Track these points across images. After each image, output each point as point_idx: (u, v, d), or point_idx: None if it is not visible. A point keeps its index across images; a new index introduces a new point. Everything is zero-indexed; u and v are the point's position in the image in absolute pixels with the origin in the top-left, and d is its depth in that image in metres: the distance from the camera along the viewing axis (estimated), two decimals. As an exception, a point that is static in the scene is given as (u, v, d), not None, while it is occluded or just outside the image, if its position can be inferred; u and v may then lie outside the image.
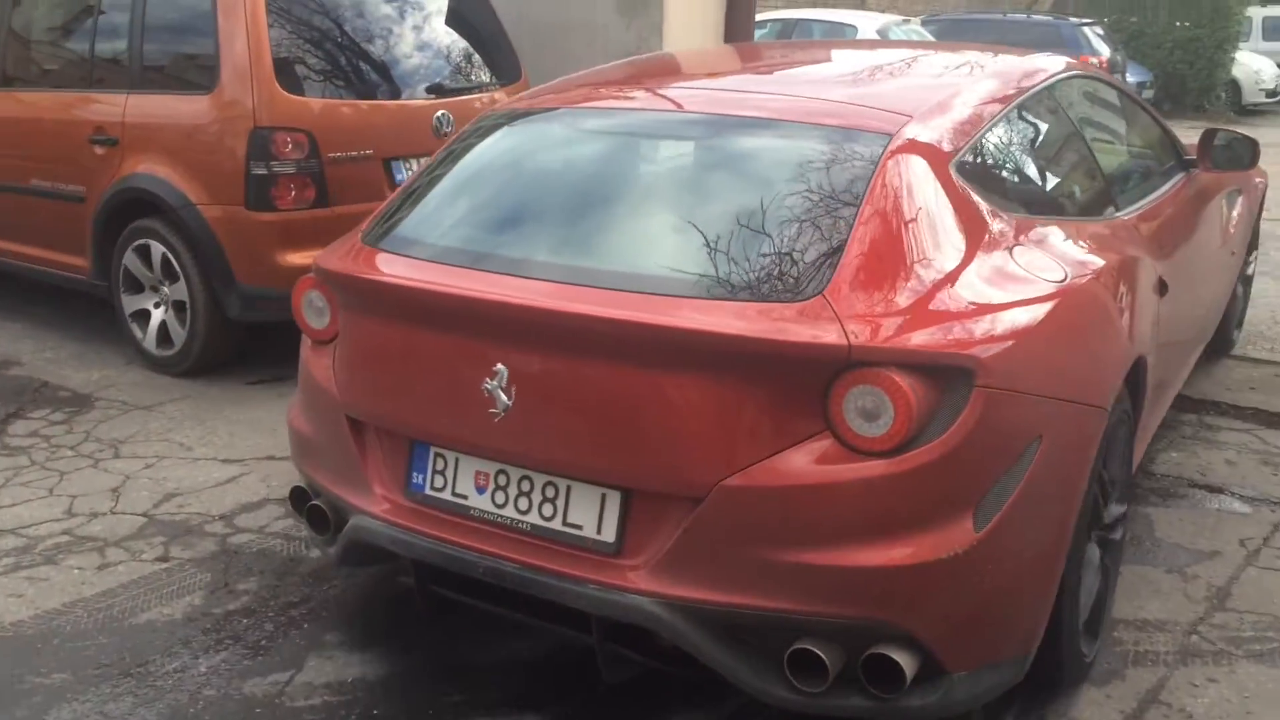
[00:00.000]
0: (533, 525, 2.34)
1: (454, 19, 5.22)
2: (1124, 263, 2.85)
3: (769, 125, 2.62)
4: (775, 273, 2.21)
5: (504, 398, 2.27)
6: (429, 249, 2.56)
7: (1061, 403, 2.31)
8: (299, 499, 2.80)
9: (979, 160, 2.66)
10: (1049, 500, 2.29)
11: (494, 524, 2.38)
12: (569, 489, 2.31)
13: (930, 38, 12.92)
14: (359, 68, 4.85)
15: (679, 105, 2.89)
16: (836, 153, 2.44)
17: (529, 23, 5.96)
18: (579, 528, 2.29)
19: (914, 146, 2.46)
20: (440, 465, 2.46)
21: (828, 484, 2.07)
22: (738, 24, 6.14)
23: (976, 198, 2.49)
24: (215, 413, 4.43)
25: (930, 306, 2.18)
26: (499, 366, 2.28)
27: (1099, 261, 2.72)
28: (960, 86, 2.92)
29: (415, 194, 2.84)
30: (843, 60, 3.41)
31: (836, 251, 2.21)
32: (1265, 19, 20.58)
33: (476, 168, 2.87)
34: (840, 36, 12.11)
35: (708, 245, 2.30)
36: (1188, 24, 18.04)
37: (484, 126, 2.98)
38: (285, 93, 4.48)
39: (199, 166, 4.56)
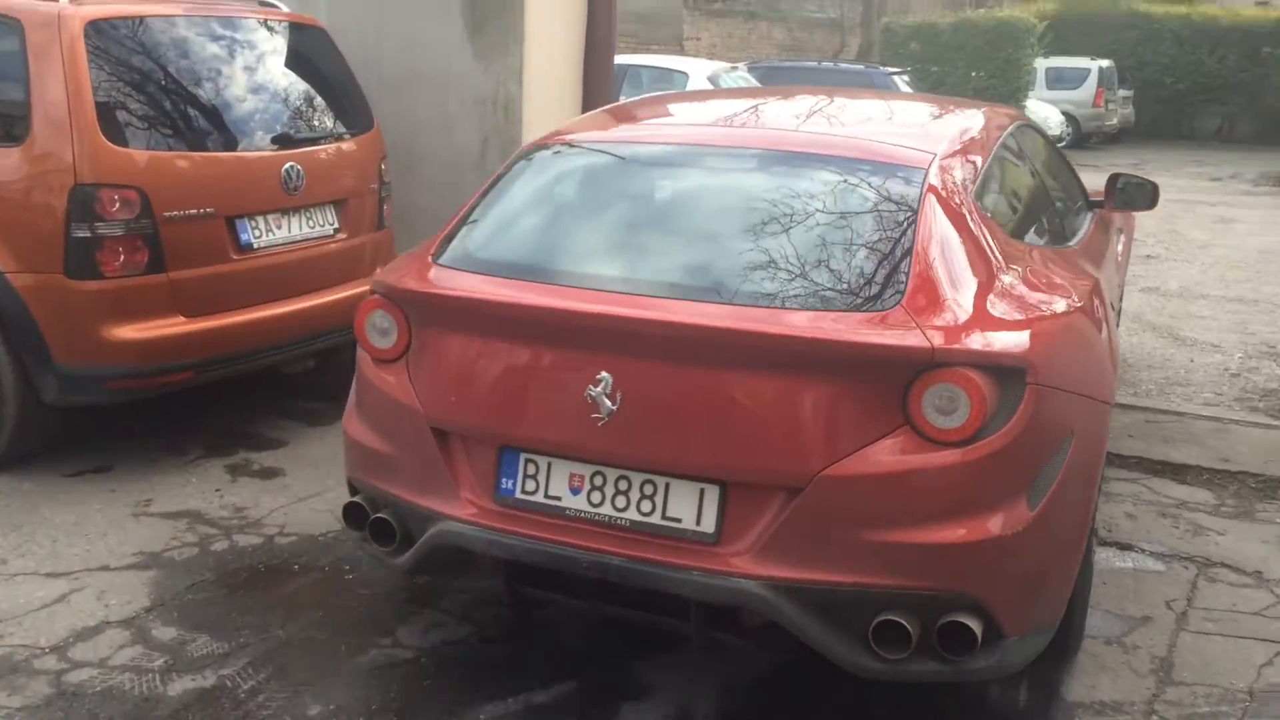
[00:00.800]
0: (631, 521, 2.51)
1: (300, 65, 4.77)
2: (1097, 285, 3.23)
3: (819, 158, 2.91)
4: (855, 286, 2.52)
5: (608, 403, 2.46)
6: (514, 267, 2.77)
7: (1086, 399, 2.67)
8: (357, 515, 2.87)
9: (986, 192, 3.02)
10: (1080, 483, 2.64)
11: (591, 522, 2.54)
12: (667, 485, 2.50)
13: (756, 83, 13.10)
14: (195, 116, 4.31)
15: (732, 139, 3.18)
16: (884, 182, 2.77)
17: (378, 69, 5.55)
18: (678, 520, 2.49)
19: (944, 177, 2.81)
20: (531, 470, 2.61)
21: (911, 471, 2.36)
22: (596, 70, 5.92)
23: (994, 222, 2.88)
24: (31, 515, 3.80)
25: (987, 315, 2.50)
26: (603, 374, 2.46)
27: (1087, 282, 3.14)
28: (959, 128, 3.30)
29: (480, 216, 3.01)
30: (840, 104, 3.63)
31: (904, 267, 2.53)
32: (1048, 69, 22.02)
33: (541, 192, 3.09)
34: (670, 83, 12.10)
35: (787, 262, 2.58)
36: (983, 74, 19.12)
37: (537, 155, 3.18)
38: (110, 144, 3.92)
39: (7, 229, 3.94)
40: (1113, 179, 4.22)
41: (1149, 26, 24.69)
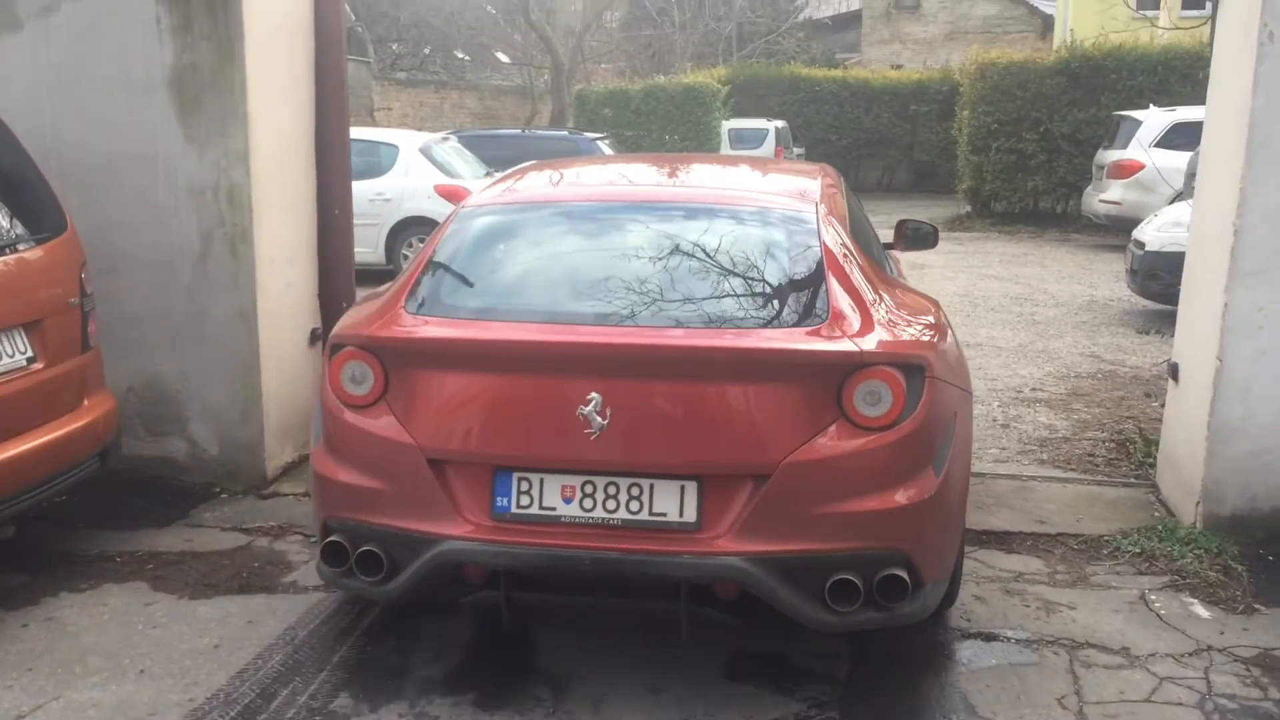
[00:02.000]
0: (623, 520, 2.92)
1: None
2: (939, 304, 3.76)
3: (729, 209, 3.54)
4: (788, 309, 3.13)
5: (599, 419, 2.86)
6: (488, 310, 3.19)
7: (960, 390, 3.31)
8: (336, 553, 3.10)
9: (851, 231, 3.59)
10: (963, 454, 3.27)
11: (585, 525, 2.93)
12: (652, 486, 2.92)
13: (469, 152, 12.67)
14: None
15: (653, 196, 3.80)
16: (787, 227, 3.41)
17: (65, 158, 4.60)
18: (664, 515, 2.92)
19: (829, 221, 3.46)
20: (525, 487, 2.97)
21: (850, 454, 2.88)
22: (331, 148, 5.23)
23: (864, 256, 3.51)
24: None
25: (888, 326, 3.11)
26: (593, 394, 2.86)
27: (934, 302, 3.72)
28: (818, 182, 3.87)
29: (435, 270, 3.34)
30: (718, 167, 4.49)
31: (821, 292, 3.13)
32: (730, 130, 23.12)
33: (487, 246, 3.48)
34: (378, 155, 11.51)
35: (730, 292, 3.15)
36: (676, 136, 19.71)
37: (471, 216, 3.60)
38: None
39: None
40: (901, 224, 4.96)
41: (811, 89, 26.62)
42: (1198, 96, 16.62)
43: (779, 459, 2.87)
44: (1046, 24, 36.57)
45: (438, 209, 11.41)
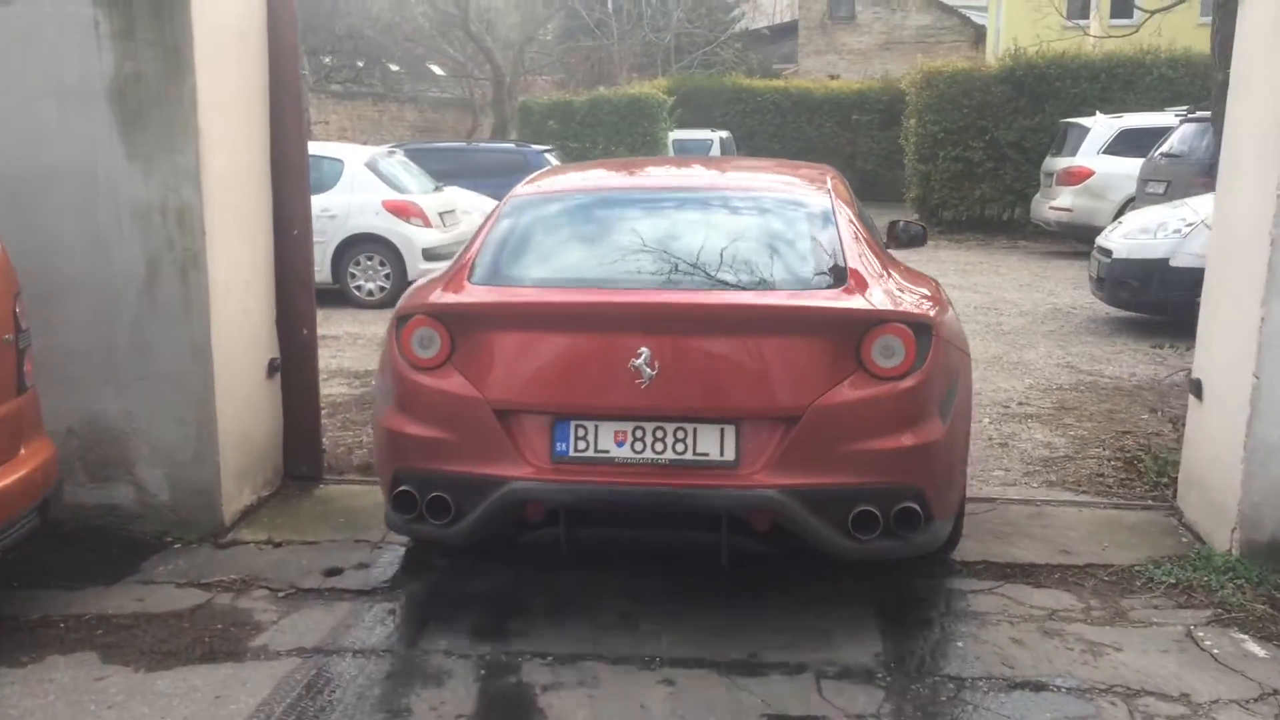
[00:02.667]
0: (670, 460, 3.36)
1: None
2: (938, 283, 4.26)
3: (757, 197, 4.05)
4: (813, 274, 3.64)
5: (649, 370, 3.29)
6: (545, 280, 3.70)
7: (962, 352, 3.79)
8: (406, 501, 3.53)
9: (860, 218, 4.12)
10: (965, 408, 3.74)
11: (637, 465, 3.36)
12: (695, 430, 3.35)
13: (415, 165, 12.24)
14: None
15: (684, 180, 4.61)
16: (807, 212, 3.89)
17: (-8, 174, 4.14)
18: (706, 454, 3.35)
19: (840, 207, 3.95)
20: (581, 433, 3.39)
21: (869, 399, 3.32)
22: (288, 164, 4.83)
23: (872, 237, 4.06)
24: None
25: (898, 292, 3.58)
26: (642, 349, 3.29)
27: (933, 280, 4.19)
28: (826, 176, 4.37)
29: (492, 248, 3.82)
30: (733, 166, 5.24)
31: (840, 263, 3.62)
32: (675, 141, 22.85)
33: (536, 227, 3.95)
34: (320, 170, 10.98)
35: (765, 262, 3.67)
36: (622, 147, 19.42)
37: (520, 202, 4.08)
38: None
39: None
40: (893, 223, 5.16)
41: (753, 99, 26.54)
42: (1139, 103, 16.84)
43: (806, 404, 3.31)
44: (979, 33, 37.05)
45: (386, 225, 10.98)
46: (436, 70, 28.23)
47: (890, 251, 4.48)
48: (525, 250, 3.85)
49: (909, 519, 3.34)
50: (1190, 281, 9.07)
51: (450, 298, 3.59)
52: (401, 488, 3.54)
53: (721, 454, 3.34)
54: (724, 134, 23.96)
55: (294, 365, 5.07)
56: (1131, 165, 14.25)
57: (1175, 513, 4.50)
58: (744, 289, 3.55)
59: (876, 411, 3.32)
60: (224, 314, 4.43)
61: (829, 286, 3.54)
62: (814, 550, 3.36)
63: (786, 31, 39.61)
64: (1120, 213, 14.47)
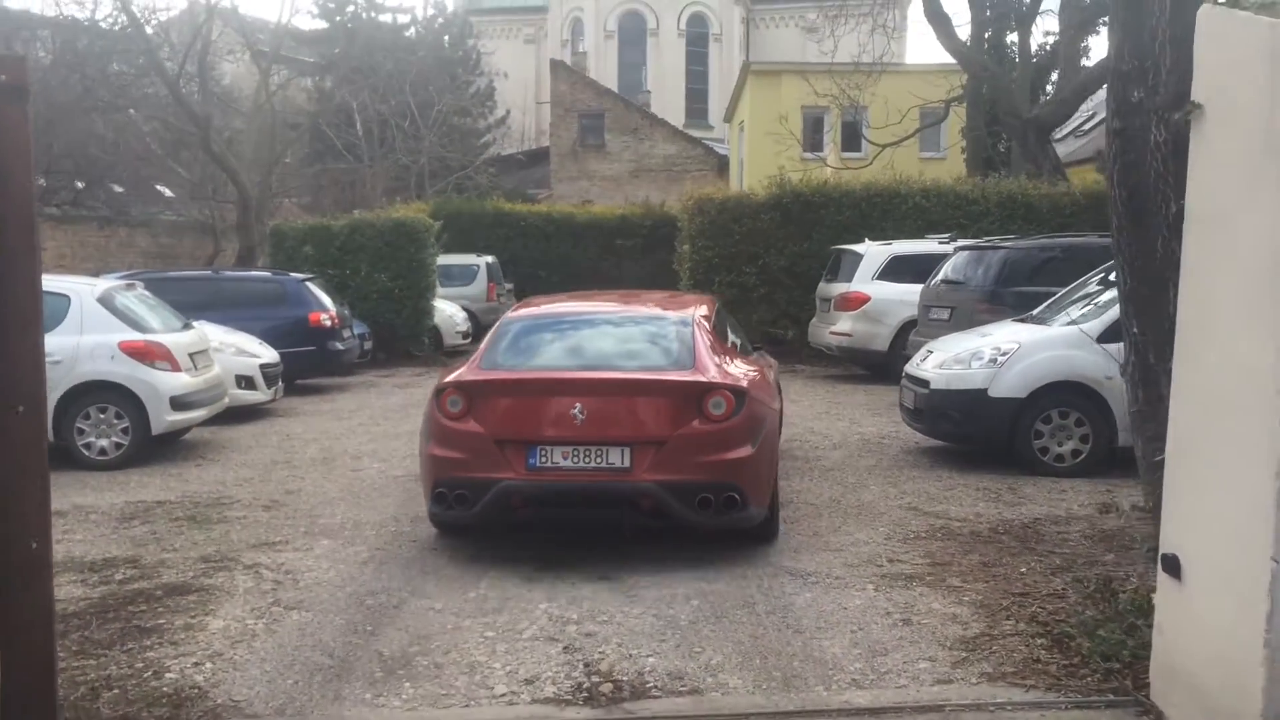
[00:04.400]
0: (594, 467, 5.88)
1: None
2: (764, 367, 7.39)
3: (650, 316, 6.91)
4: (674, 362, 6.24)
5: (580, 416, 5.85)
6: (521, 366, 6.40)
7: (769, 407, 6.60)
8: (442, 498, 6.12)
9: (715, 325, 6.94)
10: (770, 438, 6.40)
11: (575, 470, 5.89)
12: (606, 450, 5.88)
13: (156, 298, 10.62)
14: None
15: (605, 309, 7.43)
16: (677, 324, 6.59)
17: None
18: (613, 464, 5.87)
19: (699, 321, 6.68)
20: (543, 453, 5.94)
21: (707, 432, 5.87)
22: (16, 318, 3.54)
23: (718, 338, 6.81)
24: None
25: (729, 370, 6.31)
26: (577, 404, 5.87)
27: (761, 365, 7.33)
28: (700, 301, 7.46)
29: (493, 349, 6.56)
30: (630, 298, 8.05)
31: (691, 353, 6.25)
32: (437, 267, 21.83)
33: (521, 335, 6.73)
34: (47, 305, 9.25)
35: (645, 354, 6.42)
36: (386, 275, 18.20)
37: (512, 321, 6.92)
38: None
39: None
40: (765, 334, 9.66)
41: (516, 224, 26.07)
42: (896, 229, 17.48)
43: (670, 435, 5.86)
44: (722, 163, 38.65)
45: (125, 371, 9.35)
46: (165, 191, 26.10)
47: (759, 346, 9.40)
48: (511, 349, 6.60)
49: (732, 503, 5.90)
50: (1009, 412, 9.04)
51: (469, 376, 6.30)
52: (439, 489, 6.11)
53: (622, 463, 5.91)
54: (489, 258, 23.25)
55: (16, 591, 3.67)
56: (904, 290, 14.56)
57: (1152, 712, 3.87)
58: (634, 370, 6.26)
59: (711, 440, 5.91)
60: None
61: (684, 368, 6.20)
62: (677, 522, 5.98)
63: (539, 157, 39.89)
64: (898, 337, 14.75)
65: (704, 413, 5.90)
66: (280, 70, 25.24)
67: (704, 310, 7.03)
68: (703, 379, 6.02)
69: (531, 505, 6.01)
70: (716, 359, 6.32)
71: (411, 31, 36.81)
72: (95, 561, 6.43)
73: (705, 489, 5.80)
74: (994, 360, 8.74)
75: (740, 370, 6.48)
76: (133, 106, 22.23)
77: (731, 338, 7.43)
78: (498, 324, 6.87)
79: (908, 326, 14.47)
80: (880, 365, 15.00)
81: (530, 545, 6.56)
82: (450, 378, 6.30)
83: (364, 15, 34.86)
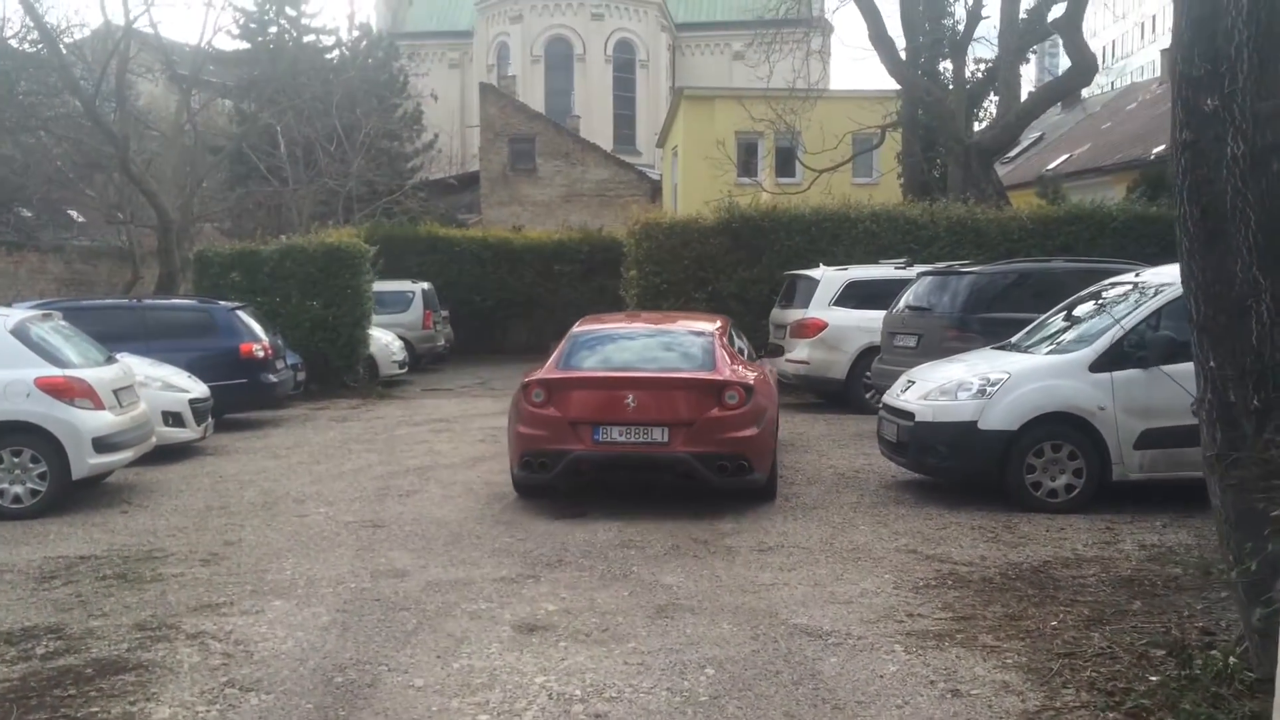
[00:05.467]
0: (642, 441, 8.15)
1: None
2: (765, 370, 9.78)
3: (681, 331, 9.27)
4: (699, 364, 8.53)
5: (632, 404, 8.13)
6: (585, 365, 8.66)
7: (771, 400, 8.82)
8: (528, 464, 8.34)
9: (730, 339, 9.48)
10: (771, 425, 8.65)
11: (629, 444, 8.15)
12: (651, 428, 8.12)
13: (74, 329, 9.73)
14: None
15: (646, 326, 9.66)
16: (700, 337, 8.95)
17: None
18: (656, 440, 8.13)
19: (719, 335, 9.10)
20: (605, 431, 8.16)
21: (725, 416, 8.10)
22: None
23: (727, 346, 9.10)
24: None
25: (739, 370, 8.60)
26: (630, 395, 8.16)
27: (763, 368, 9.68)
28: (717, 320, 9.89)
29: (567, 354, 8.78)
30: (664, 318, 10.35)
31: (713, 359, 8.57)
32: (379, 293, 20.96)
33: (595, 341, 9.07)
34: None
35: (677, 358, 8.70)
36: (319, 302, 17.35)
37: (581, 333, 9.23)
38: None
39: None
40: (759, 349, 12.25)
41: (449, 250, 25.31)
42: (847, 255, 17.22)
43: (697, 418, 8.03)
44: (655, 187, 38.34)
45: (41, 410, 8.48)
46: (75, 215, 24.77)
47: (762, 354, 12.74)
48: (580, 354, 8.80)
49: (741, 469, 8.08)
50: (999, 445, 8.63)
51: (551, 375, 8.49)
52: (526, 458, 8.33)
53: (662, 439, 8.08)
54: (425, 285, 22.48)
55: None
56: (862, 316, 14.22)
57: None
58: (671, 371, 8.44)
59: (727, 422, 8.05)
60: None
61: (707, 370, 8.38)
62: (701, 483, 8.16)
63: (470, 181, 39.13)
64: (856, 364, 14.39)
65: (722, 402, 8.13)
66: (198, 94, 24.16)
67: (719, 326, 9.37)
68: (720, 378, 8.27)
69: (595, 469, 8.46)
70: (730, 363, 8.61)
71: (336, 54, 35.85)
72: (12, 632, 5.63)
73: (723, 458, 8.06)
74: (983, 391, 8.34)
75: (748, 372, 8.66)
76: (43, 127, 21.04)
77: (740, 345, 9.81)
78: (569, 335, 9.14)
79: (866, 353, 14.14)
80: (837, 394, 14.64)
81: (506, 596, 5.93)
82: (536, 376, 8.53)
83: (287, 36, 33.84)
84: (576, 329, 9.25)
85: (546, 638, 5.42)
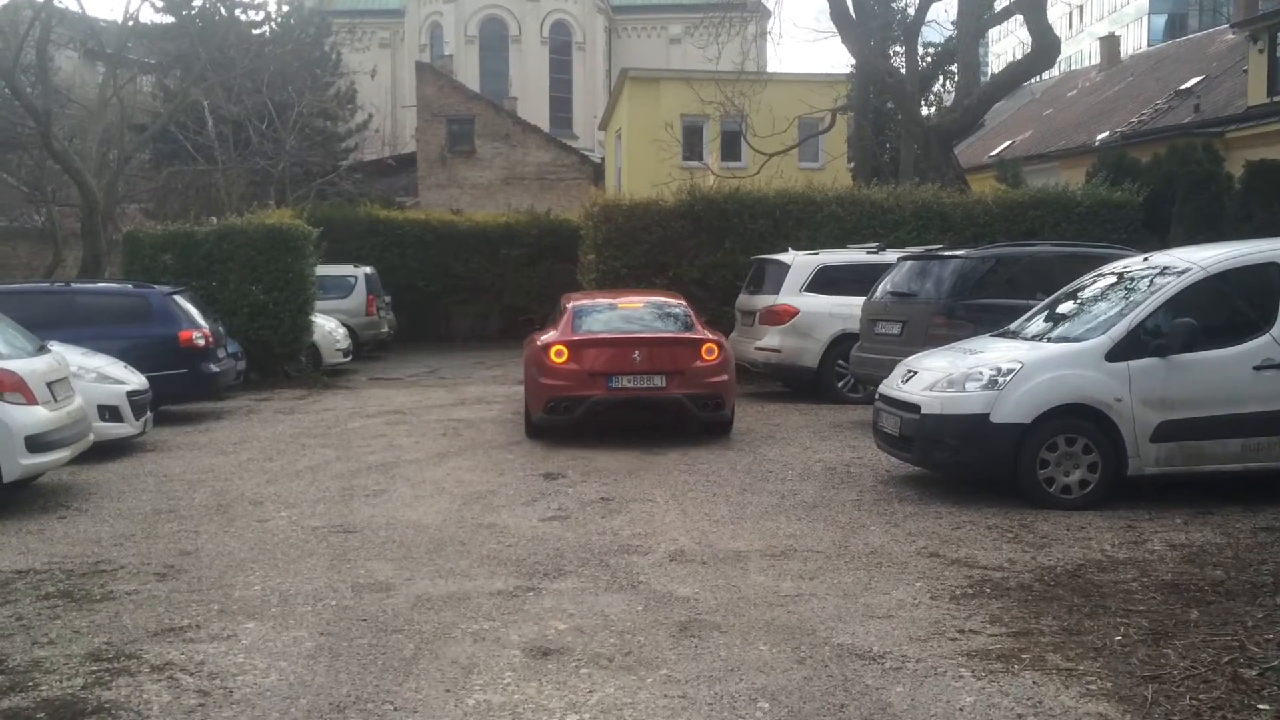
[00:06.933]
0: (645, 386, 10.91)
1: None
2: (724, 337, 12.54)
3: (659, 303, 12.26)
4: (683, 326, 11.53)
5: (638, 358, 10.87)
6: (595, 330, 11.33)
7: (731, 355, 11.82)
8: (551, 409, 10.94)
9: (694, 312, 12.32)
10: (734, 373, 11.70)
11: (635, 388, 10.91)
12: (652, 377, 10.88)
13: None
14: None
15: (632, 297, 12.71)
16: (677, 308, 11.95)
17: None
18: (656, 385, 10.92)
19: (688, 307, 12.08)
20: (617, 380, 10.85)
21: (703, 366, 11.02)
22: None
23: (699, 315, 12.29)
24: None
25: (711, 334, 11.57)
26: (636, 351, 10.92)
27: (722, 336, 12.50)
28: (681, 298, 12.76)
29: (576, 320, 11.44)
30: (640, 293, 13.64)
31: (692, 322, 11.60)
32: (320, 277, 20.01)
33: (593, 311, 11.72)
34: None
35: (660, 323, 11.65)
36: (260, 287, 16.41)
37: (581, 305, 11.95)
38: None
39: None
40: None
41: (391, 232, 24.43)
42: (812, 239, 16.79)
43: (686, 368, 10.89)
44: (597, 171, 37.62)
45: (-34, 407, 7.59)
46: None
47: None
48: (586, 320, 11.44)
49: (719, 405, 11.06)
50: (1013, 439, 8.20)
51: (570, 338, 11.08)
52: (551, 404, 10.88)
53: (661, 384, 10.82)
54: (368, 269, 21.63)
55: None
56: (835, 303, 13.80)
57: None
58: (666, 332, 11.32)
59: (707, 370, 10.93)
60: None
61: (691, 330, 11.32)
62: (692, 419, 11.00)
63: (408, 163, 38.00)
64: (829, 351, 13.97)
65: (702, 356, 10.90)
66: (122, 70, 22.84)
67: (687, 301, 12.33)
68: (701, 336, 11.13)
69: (609, 410, 10.86)
70: (701, 327, 11.47)
71: (266, 29, 34.43)
72: (-57, 670, 4.87)
73: (705, 398, 10.85)
74: (994, 381, 7.90)
75: (716, 333, 11.67)
76: (-47, 100, 19.69)
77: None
78: (571, 307, 11.65)
79: (839, 341, 13.73)
80: (809, 383, 14.20)
81: (508, 613, 5.33)
82: (556, 338, 11.04)
83: (213, 10, 32.35)
84: (573, 304, 11.89)
85: (564, 663, 4.83)
